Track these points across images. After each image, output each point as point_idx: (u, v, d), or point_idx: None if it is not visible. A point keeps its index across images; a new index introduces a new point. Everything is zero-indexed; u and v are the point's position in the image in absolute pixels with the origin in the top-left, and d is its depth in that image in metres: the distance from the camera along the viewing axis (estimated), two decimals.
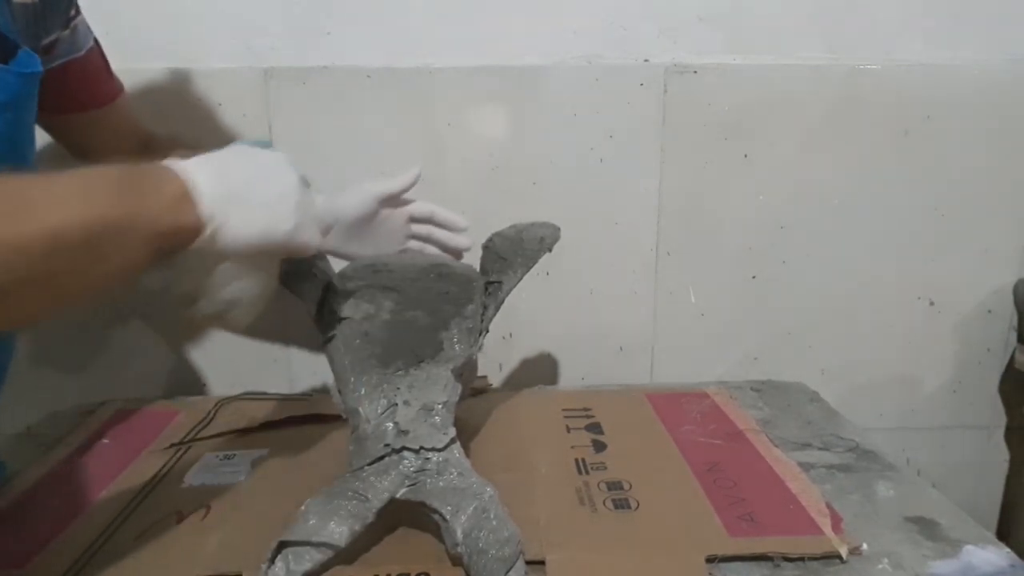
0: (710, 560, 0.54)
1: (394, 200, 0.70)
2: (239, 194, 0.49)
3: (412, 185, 0.69)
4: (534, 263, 0.70)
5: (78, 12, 0.65)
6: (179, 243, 0.47)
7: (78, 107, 0.69)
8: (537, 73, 0.88)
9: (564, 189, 0.90)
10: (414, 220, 0.74)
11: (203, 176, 0.47)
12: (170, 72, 0.85)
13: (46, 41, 0.62)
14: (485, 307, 0.67)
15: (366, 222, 0.68)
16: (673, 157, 0.90)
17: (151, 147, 0.74)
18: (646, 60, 0.88)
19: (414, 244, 0.75)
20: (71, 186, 0.42)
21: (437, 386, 0.59)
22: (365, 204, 0.67)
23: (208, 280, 0.50)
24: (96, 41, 0.69)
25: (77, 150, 0.72)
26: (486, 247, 0.72)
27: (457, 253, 0.75)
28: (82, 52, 0.66)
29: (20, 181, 0.40)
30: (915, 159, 0.91)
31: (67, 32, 0.64)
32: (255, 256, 0.51)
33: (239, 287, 0.52)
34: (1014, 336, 0.97)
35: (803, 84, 0.89)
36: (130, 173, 0.45)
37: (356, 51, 0.86)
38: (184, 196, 0.46)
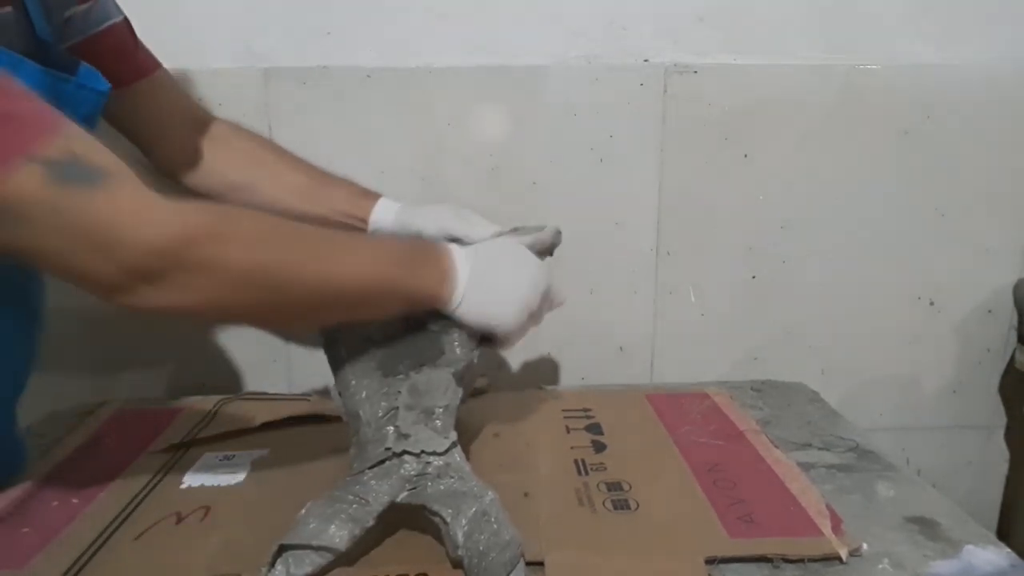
0: (710, 561, 0.54)
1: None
2: (483, 291, 0.60)
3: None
4: None
5: None
6: (425, 305, 0.60)
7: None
8: (537, 73, 0.88)
9: (564, 189, 0.90)
10: None
11: (465, 268, 0.60)
12: (170, 72, 0.84)
13: (65, 15, 0.63)
14: None
15: None
16: (673, 157, 0.90)
17: (204, 127, 0.74)
18: (646, 60, 0.88)
19: None
20: (367, 251, 0.57)
21: (438, 390, 0.59)
22: None
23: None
24: (125, 19, 0.68)
25: (123, 129, 0.72)
26: None
27: None
28: (99, 28, 0.65)
29: (336, 236, 0.55)
30: (915, 159, 0.91)
31: (83, 8, 0.64)
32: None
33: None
34: (1014, 336, 0.97)
35: (803, 84, 0.89)
36: (411, 248, 0.60)
37: (356, 51, 0.86)
38: (446, 275, 0.59)
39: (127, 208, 0.45)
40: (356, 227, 0.72)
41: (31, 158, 0.43)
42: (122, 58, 0.69)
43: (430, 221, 0.71)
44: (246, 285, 0.50)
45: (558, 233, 0.72)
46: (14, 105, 0.45)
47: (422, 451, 0.56)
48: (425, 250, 0.60)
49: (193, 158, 0.73)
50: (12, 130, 0.44)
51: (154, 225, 0.45)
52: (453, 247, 0.61)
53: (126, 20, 0.69)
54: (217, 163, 0.73)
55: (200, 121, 0.75)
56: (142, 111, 0.71)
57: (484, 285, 0.60)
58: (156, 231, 0.45)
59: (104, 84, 0.61)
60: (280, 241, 0.52)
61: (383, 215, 0.72)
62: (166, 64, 0.83)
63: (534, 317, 0.64)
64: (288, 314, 0.56)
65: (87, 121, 0.55)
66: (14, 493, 0.64)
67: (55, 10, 0.62)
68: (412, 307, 0.59)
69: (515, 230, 0.72)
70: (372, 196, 0.74)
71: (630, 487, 0.64)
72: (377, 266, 0.56)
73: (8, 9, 0.56)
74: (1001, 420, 1.01)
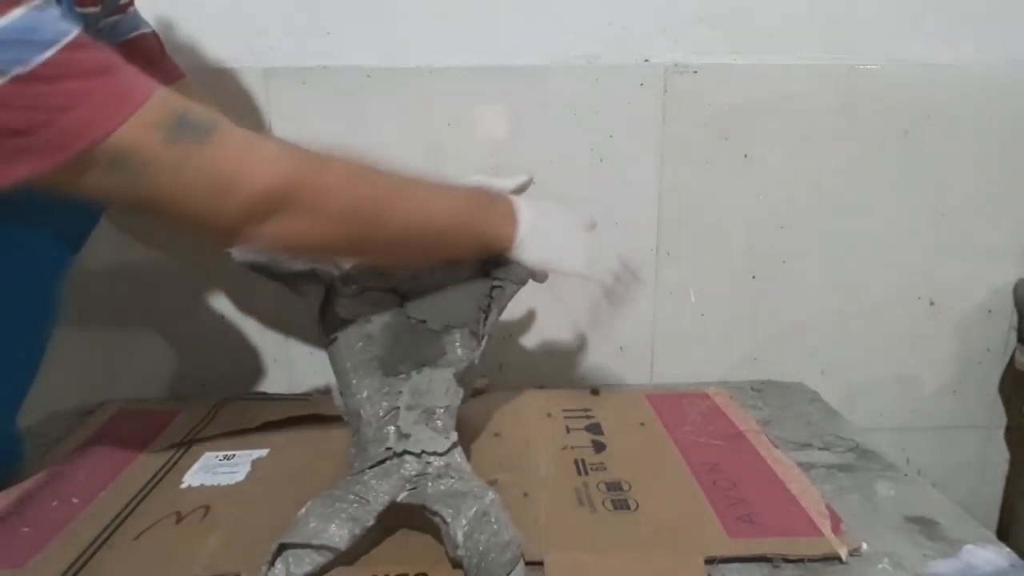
0: (709, 561, 0.54)
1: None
2: (542, 235, 0.66)
3: (516, 189, 0.74)
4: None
5: (129, 4, 0.71)
6: (493, 249, 0.64)
7: None
8: (537, 73, 0.88)
9: (564, 189, 0.90)
10: None
11: (526, 211, 0.65)
12: None
13: (98, 26, 0.67)
14: (488, 311, 0.67)
15: None
16: (673, 157, 0.90)
17: None
18: (646, 60, 0.88)
19: None
20: (444, 192, 0.62)
21: (439, 390, 0.59)
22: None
23: None
24: (154, 33, 0.73)
25: None
26: None
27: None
28: (127, 37, 0.71)
29: (415, 178, 0.59)
30: (915, 159, 0.91)
31: (113, 20, 0.69)
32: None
33: None
34: (1014, 336, 0.97)
35: (803, 84, 0.89)
36: (480, 193, 0.66)
37: (356, 51, 0.86)
38: (510, 217, 0.64)
39: (238, 155, 0.50)
40: None
41: (146, 119, 0.47)
42: (148, 65, 0.71)
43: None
44: (344, 220, 0.55)
45: None
46: (121, 64, 0.49)
47: (423, 451, 0.56)
48: (491, 195, 0.66)
49: None
50: (124, 86, 0.47)
51: (264, 170, 0.50)
52: (513, 195, 0.67)
53: (155, 33, 0.73)
54: None
55: None
56: None
57: (542, 230, 0.65)
58: (267, 174, 0.50)
59: None
60: (370, 180, 0.57)
61: None
62: None
63: (598, 266, 0.71)
64: (378, 248, 0.61)
65: None
66: (14, 493, 0.64)
67: (90, 23, 0.66)
68: (482, 248, 0.64)
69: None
70: None
71: (630, 487, 0.64)
72: (454, 205, 0.61)
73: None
74: (1001, 420, 1.01)
